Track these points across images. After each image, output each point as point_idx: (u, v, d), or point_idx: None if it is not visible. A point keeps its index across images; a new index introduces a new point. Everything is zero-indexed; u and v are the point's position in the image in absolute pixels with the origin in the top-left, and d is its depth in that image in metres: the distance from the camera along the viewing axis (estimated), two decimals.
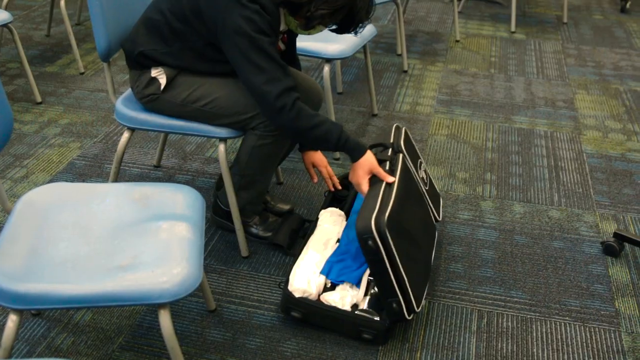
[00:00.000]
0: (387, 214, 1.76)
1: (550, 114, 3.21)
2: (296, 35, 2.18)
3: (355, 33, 1.96)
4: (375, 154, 2.01)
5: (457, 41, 4.11)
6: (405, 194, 1.95)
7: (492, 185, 2.62)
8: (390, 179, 1.93)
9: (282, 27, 1.94)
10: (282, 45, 2.09)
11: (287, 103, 1.82)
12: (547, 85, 3.53)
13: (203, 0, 1.84)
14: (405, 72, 3.63)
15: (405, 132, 2.22)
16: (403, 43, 3.63)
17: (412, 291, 1.81)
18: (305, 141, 1.93)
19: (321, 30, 1.95)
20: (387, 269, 1.76)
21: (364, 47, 2.95)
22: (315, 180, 2.24)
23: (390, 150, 2.08)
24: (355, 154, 1.94)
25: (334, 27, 1.95)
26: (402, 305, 1.80)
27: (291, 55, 2.22)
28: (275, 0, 1.83)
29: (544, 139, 2.97)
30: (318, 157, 2.23)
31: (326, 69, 2.66)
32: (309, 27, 1.90)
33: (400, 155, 2.05)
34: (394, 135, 2.18)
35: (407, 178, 2.02)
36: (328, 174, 2.22)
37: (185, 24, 1.90)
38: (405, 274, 1.79)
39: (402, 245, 1.81)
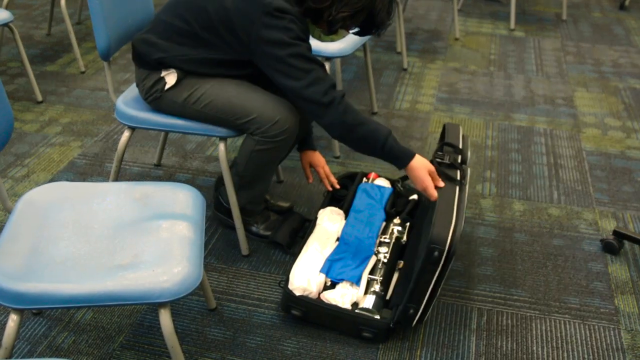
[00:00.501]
0: (459, 233, 1.73)
1: (549, 111, 3.21)
2: None
3: (378, 35, 1.96)
4: (447, 154, 1.96)
5: (457, 39, 4.11)
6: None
7: (492, 183, 2.63)
8: (441, 183, 1.89)
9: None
10: None
11: (335, 97, 1.81)
12: (546, 82, 3.54)
13: (234, 12, 1.83)
14: (405, 70, 3.64)
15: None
16: (403, 41, 3.63)
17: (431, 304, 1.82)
18: (351, 140, 1.86)
19: (344, 36, 1.95)
20: (431, 281, 1.75)
21: (364, 45, 2.96)
22: (311, 180, 2.25)
23: (459, 157, 2.00)
24: (403, 158, 1.87)
25: (355, 29, 1.96)
26: (417, 314, 1.80)
27: None
28: (300, 10, 1.84)
29: (543, 137, 2.97)
30: (316, 157, 2.23)
31: (326, 67, 2.66)
32: (332, 31, 1.90)
33: (469, 169, 1.99)
34: (462, 143, 2.08)
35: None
36: (325, 174, 2.23)
37: (214, 34, 1.88)
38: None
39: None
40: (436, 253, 1.71)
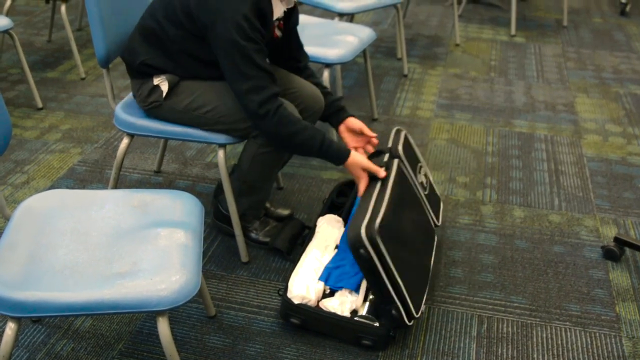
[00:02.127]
0: (378, 221, 1.76)
1: (550, 117, 3.21)
2: (296, 23, 2.17)
3: None
4: (374, 159, 2.02)
5: (457, 45, 4.11)
6: (400, 199, 1.95)
7: (493, 189, 2.62)
8: (382, 173, 1.96)
9: (279, 14, 1.96)
10: (278, 32, 2.08)
11: (270, 110, 1.85)
12: (547, 89, 3.53)
13: (194, 2, 1.85)
14: (406, 76, 3.63)
15: (405, 136, 2.22)
16: (403, 47, 3.63)
17: (410, 297, 1.81)
18: (288, 148, 1.95)
19: None
20: (381, 276, 1.76)
21: (364, 51, 2.96)
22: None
23: (387, 155, 2.09)
24: (339, 158, 1.95)
25: None
26: (401, 312, 1.80)
27: (294, 44, 2.21)
28: None
29: (544, 143, 2.97)
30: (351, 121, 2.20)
31: (326, 74, 2.66)
32: None
33: (396, 160, 2.05)
34: (393, 139, 2.19)
35: (402, 183, 2.02)
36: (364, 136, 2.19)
37: (180, 28, 1.91)
38: (402, 281, 1.79)
39: (397, 252, 1.81)
40: (362, 251, 1.74)
